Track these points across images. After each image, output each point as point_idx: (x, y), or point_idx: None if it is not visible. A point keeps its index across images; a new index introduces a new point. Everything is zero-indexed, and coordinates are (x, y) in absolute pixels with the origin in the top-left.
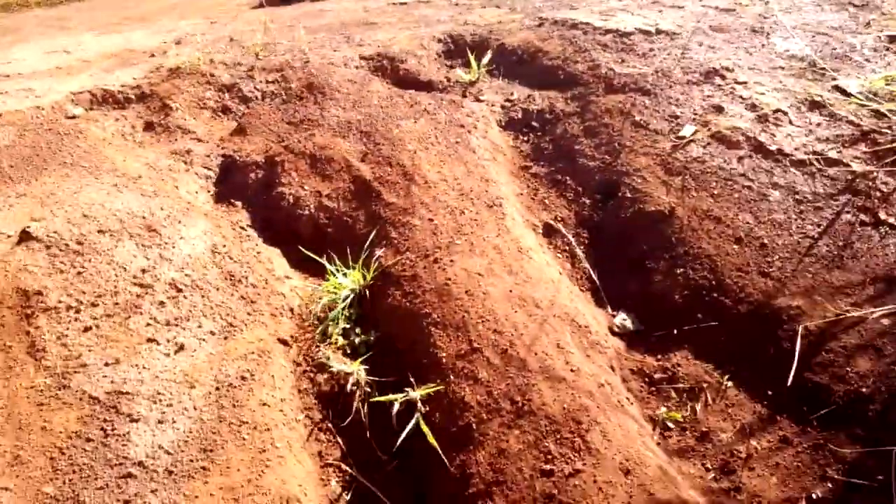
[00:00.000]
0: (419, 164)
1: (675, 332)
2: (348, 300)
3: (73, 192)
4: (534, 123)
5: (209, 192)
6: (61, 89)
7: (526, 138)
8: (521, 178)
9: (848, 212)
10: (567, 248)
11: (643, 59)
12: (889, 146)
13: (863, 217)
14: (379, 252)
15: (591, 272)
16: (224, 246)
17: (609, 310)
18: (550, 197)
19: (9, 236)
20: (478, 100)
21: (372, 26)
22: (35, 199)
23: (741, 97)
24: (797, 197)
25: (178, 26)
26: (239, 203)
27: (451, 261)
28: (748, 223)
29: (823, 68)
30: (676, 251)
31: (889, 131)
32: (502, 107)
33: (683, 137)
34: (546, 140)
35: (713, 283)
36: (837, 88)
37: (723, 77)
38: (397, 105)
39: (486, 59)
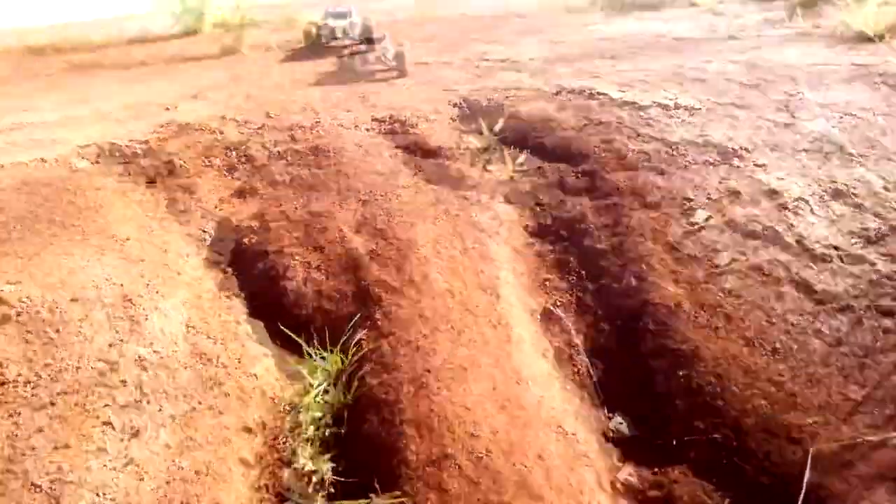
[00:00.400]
0: (415, 238)
1: (675, 442)
2: (322, 387)
3: (57, 255)
4: (541, 197)
5: (200, 255)
6: (71, 140)
7: (532, 212)
8: (523, 254)
9: (870, 317)
10: (565, 336)
11: (659, 135)
12: None
13: (886, 323)
14: (360, 333)
15: (589, 366)
16: (201, 319)
17: (605, 411)
18: (552, 279)
19: None
20: (486, 170)
21: (390, 85)
22: (18, 259)
23: (760, 181)
24: (815, 297)
25: (200, 79)
26: (230, 269)
27: (433, 351)
28: (760, 324)
29: (850, 153)
30: (681, 349)
31: None
32: (511, 178)
33: (696, 223)
34: (553, 216)
35: (718, 388)
36: (864, 177)
37: (741, 158)
38: (400, 173)
39: (498, 127)
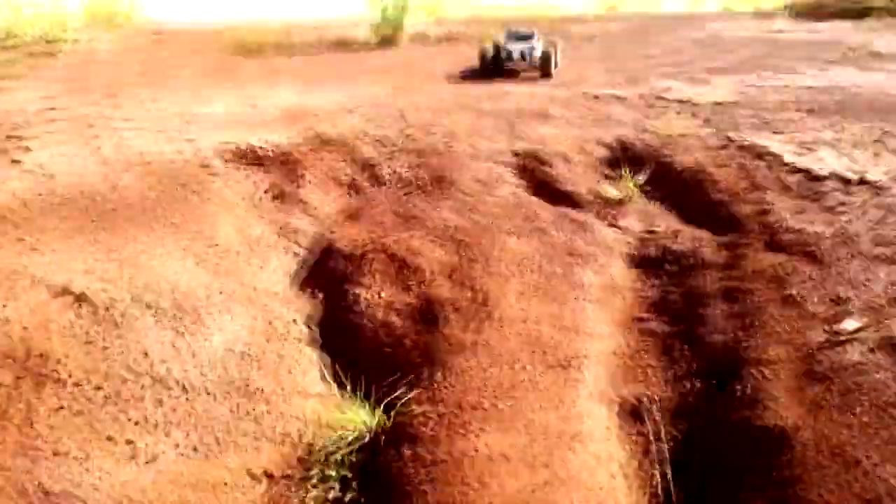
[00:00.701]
0: (505, 294)
1: None
2: (355, 441)
3: (149, 256)
4: (669, 267)
5: (292, 275)
6: (216, 139)
7: (655, 282)
8: (630, 330)
9: None
10: (646, 441)
11: (827, 215)
12: None
13: None
14: (412, 393)
15: (669, 484)
16: (259, 346)
17: None
18: (652, 366)
19: (57, 288)
20: (614, 225)
21: (544, 118)
22: (109, 251)
23: None
24: None
25: (363, 92)
26: (320, 295)
27: (480, 431)
28: (893, 479)
29: None
30: (788, 492)
31: None
32: (640, 239)
33: (841, 332)
34: (677, 291)
35: None
36: None
37: None
38: (513, 217)
39: (642, 178)
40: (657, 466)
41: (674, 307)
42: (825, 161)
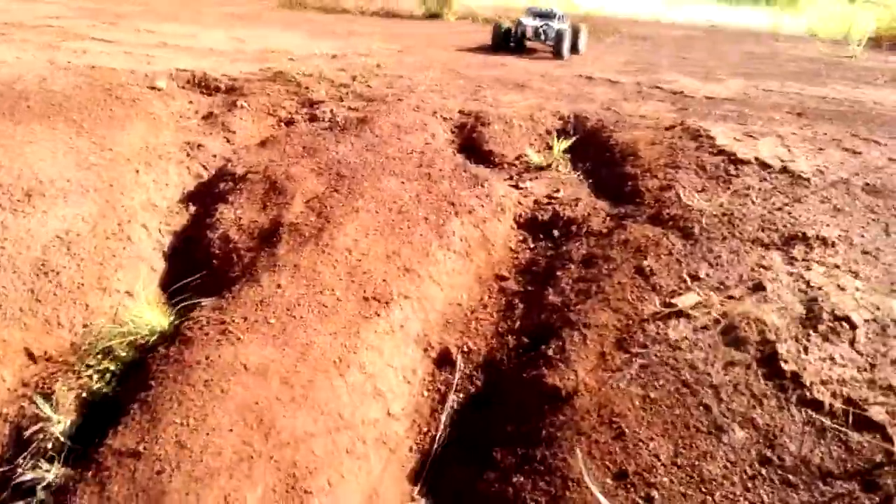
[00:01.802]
0: (345, 226)
1: None
2: (137, 340)
3: (36, 148)
4: (556, 232)
5: (180, 190)
6: (176, 65)
7: (533, 245)
8: (484, 285)
9: None
10: (447, 387)
11: (725, 196)
12: None
13: None
14: (206, 301)
15: (447, 431)
16: (93, 242)
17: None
18: (485, 320)
19: None
20: (517, 187)
21: (520, 88)
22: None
23: (807, 282)
24: (778, 456)
25: (361, 46)
26: (193, 209)
27: (249, 343)
28: (653, 461)
29: None
30: (544, 451)
31: None
32: (537, 202)
33: (674, 306)
34: (548, 255)
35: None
36: None
37: (810, 248)
38: (408, 162)
39: (565, 145)
40: (446, 412)
41: (536, 269)
42: (758, 149)
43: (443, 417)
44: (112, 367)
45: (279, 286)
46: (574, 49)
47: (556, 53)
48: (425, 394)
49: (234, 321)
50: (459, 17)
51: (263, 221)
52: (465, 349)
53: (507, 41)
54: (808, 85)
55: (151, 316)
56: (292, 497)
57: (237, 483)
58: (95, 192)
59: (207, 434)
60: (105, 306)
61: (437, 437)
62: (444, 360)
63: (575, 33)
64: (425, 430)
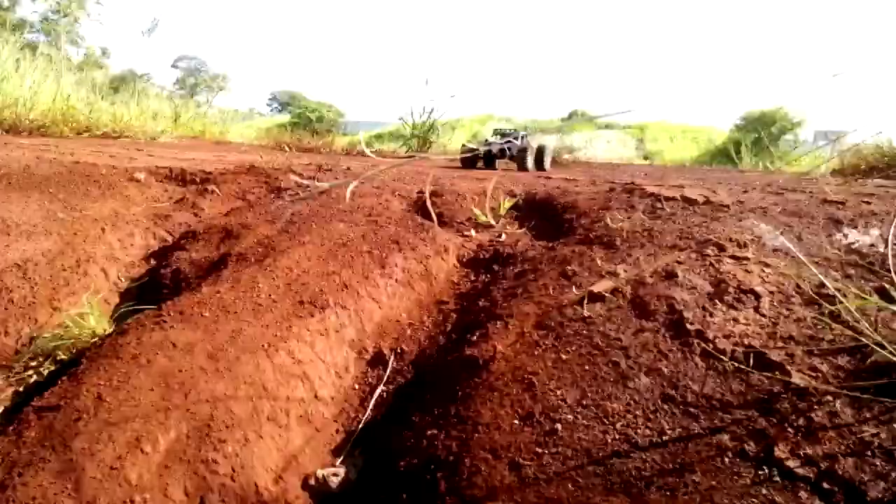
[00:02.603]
0: (290, 252)
1: None
2: (77, 343)
3: (9, 205)
4: (495, 266)
5: (141, 248)
6: (157, 163)
7: (474, 277)
8: (423, 307)
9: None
10: (378, 380)
11: (648, 219)
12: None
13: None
14: (146, 308)
15: (371, 414)
16: (51, 272)
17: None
18: (418, 328)
19: None
20: (464, 235)
21: (479, 180)
22: None
23: (717, 270)
24: (681, 395)
25: (347, 163)
26: (153, 261)
27: (180, 329)
28: (559, 403)
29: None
30: (464, 404)
31: None
32: (480, 245)
33: (591, 291)
34: (485, 280)
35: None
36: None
37: (723, 249)
38: (357, 213)
39: (509, 204)
40: (374, 399)
41: (474, 293)
42: (685, 192)
43: (371, 403)
44: (52, 368)
45: (218, 292)
46: (539, 165)
47: (521, 167)
48: (356, 387)
49: (169, 314)
50: (437, 154)
51: (214, 256)
52: (399, 351)
53: (474, 162)
54: (759, 190)
55: (94, 322)
56: (206, 442)
57: (151, 427)
58: (58, 235)
59: (127, 391)
60: (53, 322)
61: (364, 419)
62: (377, 361)
63: (540, 151)
64: (353, 416)
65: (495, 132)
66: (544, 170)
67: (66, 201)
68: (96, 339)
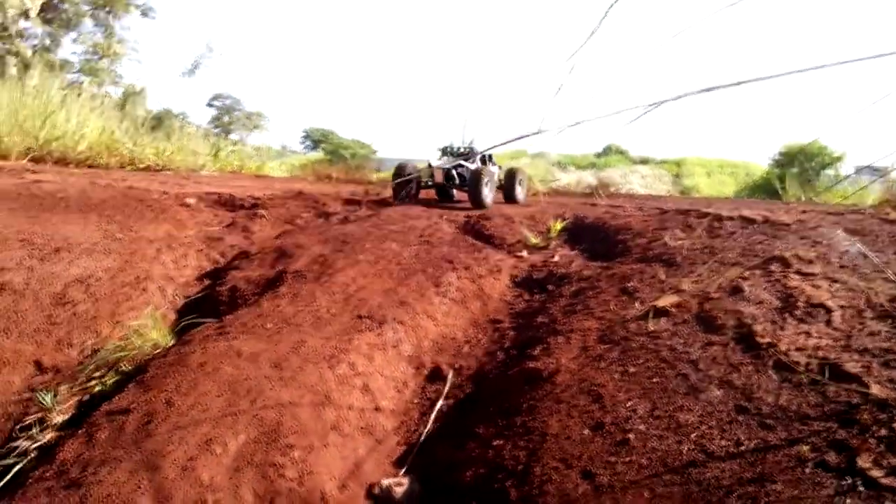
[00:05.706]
0: (346, 270)
1: None
2: (140, 355)
3: (68, 226)
4: (549, 286)
5: (196, 268)
6: (208, 190)
7: (528, 297)
8: (478, 325)
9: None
10: (437, 395)
11: (707, 239)
12: None
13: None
14: (207, 321)
15: (422, 438)
16: (109, 287)
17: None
18: (476, 345)
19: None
20: (516, 256)
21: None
22: (45, 221)
23: (784, 286)
24: (755, 406)
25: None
26: (207, 281)
27: (243, 339)
28: (630, 414)
29: None
30: (530, 414)
31: None
32: (532, 265)
33: (654, 307)
34: (541, 300)
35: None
36: None
37: (788, 265)
38: (410, 234)
39: (560, 226)
40: (434, 413)
41: (530, 309)
42: (742, 212)
43: (431, 416)
44: (115, 378)
45: (278, 306)
46: (510, 197)
47: (474, 202)
48: (416, 401)
49: (232, 326)
50: None
51: (270, 274)
52: (457, 367)
53: (410, 192)
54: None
55: (156, 335)
56: (274, 447)
57: (221, 431)
58: (117, 254)
59: (195, 397)
60: (115, 335)
61: (425, 432)
62: (435, 376)
63: (510, 177)
64: (413, 428)
65: (444, 151)
66: (516, 201)
67: (122, 223)
68: (159, 350)
